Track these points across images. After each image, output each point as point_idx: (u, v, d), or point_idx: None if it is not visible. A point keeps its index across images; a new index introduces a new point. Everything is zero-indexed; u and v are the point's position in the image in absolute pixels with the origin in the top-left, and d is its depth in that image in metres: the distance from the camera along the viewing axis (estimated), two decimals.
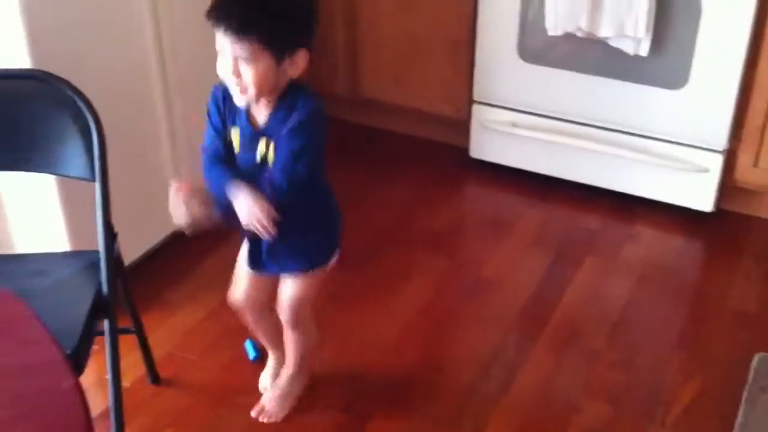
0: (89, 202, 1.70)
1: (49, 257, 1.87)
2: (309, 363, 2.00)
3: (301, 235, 1.73)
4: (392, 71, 2.94)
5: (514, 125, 2.80)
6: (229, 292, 1.92)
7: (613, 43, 2.52)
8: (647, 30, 2.43)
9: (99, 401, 1.96)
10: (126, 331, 1.93)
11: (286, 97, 1.57)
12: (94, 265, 1.72)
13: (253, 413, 1.97)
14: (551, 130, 2.76)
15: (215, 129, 1.63)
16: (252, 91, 1.51)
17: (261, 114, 1.59)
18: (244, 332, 2.22)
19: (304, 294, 1.83)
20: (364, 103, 3.07)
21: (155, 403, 2.04)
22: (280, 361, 2.04)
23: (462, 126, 2.93)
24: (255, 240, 1.70)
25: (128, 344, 2.02)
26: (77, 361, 1.54)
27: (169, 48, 2.26)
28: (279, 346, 2.02)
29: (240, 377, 2.11)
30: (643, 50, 2.48)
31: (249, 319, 1.95)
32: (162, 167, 2.37)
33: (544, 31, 2.57)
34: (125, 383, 2.03)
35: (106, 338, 1.69)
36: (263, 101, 1.57)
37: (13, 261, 1.84)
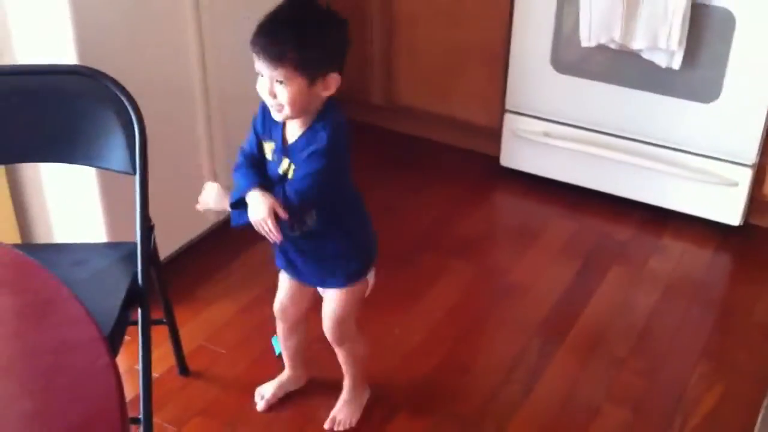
0: (128, 196, 1.77)
1: (88, 247, 1.93)
2: (364, 373, 2.04)
3: (332, 252, 1.80)
4: (427, 80, 2.99)
5: (546, 135, 2.83)
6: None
7: (646, 56, 2.54)
8: (680, 43, 2.46)
9: (129, 390, 1.99)
10: (158, 323, 1.99)
11: (317, 121, 1.65)
12: (131, 257, 1.78)
13: (326, 426, 2.01)
14: (582, 141, 2.78)
15: (256, 134, 1.74)
16: (287, 110, 1.61)
17: (293, 133, 1.68)
18: (271, 329, 2.27)
19: (342, 311, 1.88)
20: (399, 110, 3.12)
21: (183, 394, 2.10)
22: (291, 381, 2.10)
23: (494, 135, 2.96)
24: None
25: (160, 336, 2.08)
26: (111, 347, 1.60)
27: (210, 48, 2.33)
28: (297, 368, 2.09)
29: (267, 371, 2.15)
30: (676, 63, 2.50)
31: (280, 331, 2.03)
32: (199, 165, 2.44)
33: (578, 42, 2.60)
34: (155, 373, 2.10)
35: (139, 327, 1.75)
36: (298, 121, 1.66)
37: (54, 250, 1.91)
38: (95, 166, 1.85)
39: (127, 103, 1.72)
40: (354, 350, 1.98)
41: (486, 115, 2.95)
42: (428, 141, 3.15)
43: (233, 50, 2.39)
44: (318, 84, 1.60)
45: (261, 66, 1.59)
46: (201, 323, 2.31)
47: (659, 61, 2.53)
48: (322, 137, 1.63)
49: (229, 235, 2.61)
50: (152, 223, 1.81)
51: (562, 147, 2.81)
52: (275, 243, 1.71)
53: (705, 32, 2.47)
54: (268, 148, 1.72)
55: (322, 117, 1.65)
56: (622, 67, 2.63)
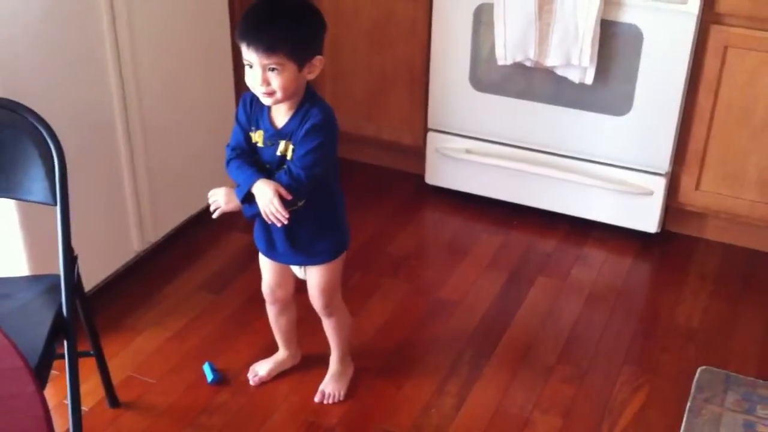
0: (50, 227, 1.75)
1: (11, 281, 1.90)
2: (350, 345, 2.19)
3: (323, 230, 1.94)
4: (354, 103, 3.03)
5: (468, 152, 2.89)
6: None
7: (560, 72, 2.63)
8: (591, 60, 2.55)
9: (59, 425, 1.98)
10: (86, 354, 1.96)
11: (304, 102, 1.80)
12: (55, 289, 1.76)
13: (316, 399, 2.14)
14: (504, 156, 2.85)
15: (242, 128, 1.86)
16: (279, 94, 1.74)
17: (281, 117, 1.82)
18: (202, 356, 2.27)
19: (332, 281, 2.02)
20: None
21: (114, 427, 2.06)
22: (287, 359, 2.22)
23: (420, 154, 3.02)
24: (270, 226, 1.88)
25: (88, 369, 2.05)
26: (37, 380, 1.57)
27: (130, 78, 2.32)
28: (290, 346, 2.21)
29: (199, 399, 2.14)
30: (589, 79, 2.59)
31: (270, 313, 2.14)
32: (122, 193, 2.41)
33: (495, 61, 2.67)
34: (85, 407, 2.06)
35: (66, 359, 1.72)
36: (285, 105, 1.80)
37: None
38: (15, 198, 1.82)
39: (45, 134, 1.71)
40: (342, 319, 2.12)
41: (411, 134, 3.00)
42: (356, 163, 3.18)
43: (153, 79, 2.40)
44: (305, 68, 1.76)
45: (252, 56, 1.71)
46: (130, 353, 2.28)
47: (573, 77, 2.61)
48: (316, 113, 1.78)
49: (155, 263, 2.61)
50: (75, 254, 1.79)
51: (484, 163, 2.87)
52: (258, 226, 1.90)
53: (615, 48, 2.57)
54: (258, 136, 1.84)
55: (308, 98, 1.81)
56: (538, 83, 2.72)
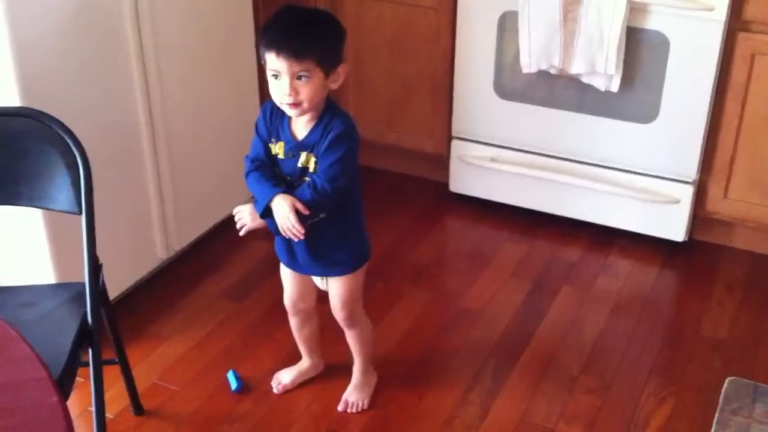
0: (75, 236, 1.76)
1: (36, 289, 1.91)
2: (372, 355, 2.18)
3: (344, 240, 1.94)
4: (376, 111, 3.03)
5: (493, 160, 2.88)
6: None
7: (586, 80, 2.61)
8: (617, 67, 2.53)
9: None
10: (110, 362, 1.97)
11: (325, 113, 1.79)
12: (80, 297, 1.77)
13: (339, 408, 2.13)
14: (528, 165, 2.83)
15: (261, 139, 1.85)
16: (306, 105, 1.73)
17: (301, 129, 1.81)
18: (226, 364, 2.27)
19: (353, 292, 2.01)
20: None
21: None
22: (310, 368, 2.22)
23: (443, 162, 3.01)
24: (288, 239, 1.87)
25: (113, 377, 2.06)
26: (62, 389, 1.58)
27: (155, 87, 2.33)
28: (313, 355, 2.21)
29: (222, 407, 2.14)
30: (614, 86, 2.57)
31: (293, 324, 2.14)
32: (147, 202, 2.43)
33: (520, 69, 2.66)
34: (109, 414, 2.07)
35: (91, 367, 1.73)
36: (306, 116, 1.78)
37: (2, 293, 1.88)
38: (41, 207, 1.83)
39: (71, 144, 1.72)
40: (364, 331, 2.11)
41: (433, 142, 2.99)
42: (379, 170, 3.18)
43: (178, 88, 2.41)
44: (331, 76, 1.75)
45: (281, 64, 1.69)
46: (153, 361, 2.29)
47: (598, 85, 2.59)
48: (338, 124, 1.78)
49: (180, 271, 2.62)
50: (100, 263, 1.80)
51: (508, 171, 2.86)
52: (278, 238, 1.86)
53: (641, 55, 2.54)
54: (279, 148, 1.83)
55: (329, 109, 1.80)
56: (562, 91, 2.70)
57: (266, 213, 1.81)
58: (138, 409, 2.12)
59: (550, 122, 2.76)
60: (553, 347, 2.36)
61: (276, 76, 1.73)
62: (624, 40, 2.49)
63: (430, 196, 3.09)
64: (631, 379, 2.25)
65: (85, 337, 1.73)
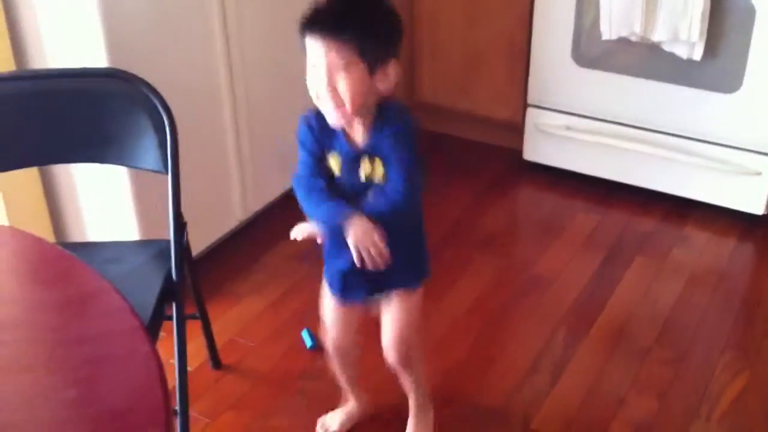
0: (159, 195, 1.82)
1: (122, 245, 1.99)
2: (429, 389, 1.94)
3: (408, 249, 1.68)
4: (450, 77, 3.02)
5: (568, 128, 2.86)
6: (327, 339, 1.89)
7: (667, 48, 2.56)
8: (701, 35, 2.47)
9: None
10: (191, 317, 2.04)
11: (381, 114, 1.55)
12: (164, 254, 1.83)
13: None
14: (604, 134, 2.80)
15: (312, 155, 1.61)
16: (348, 105, 1.49)
17: (359, 133, 1.57)
18: (302, 322, 2.32)
19: (411, 317, 1.75)
20: (422, 108, 3.15)
21: (216, 387, 2.15)
22: (358, 410, 2.01)
23: (517, 130, 2.99)
24: (352, 267, 1.60)
25: (193, 331, 2.13)
26: None
27: (236, 51, 2.38)
28: (361, 396, 1.99)
29: (297, 364, 2.20)
30: (697, 54, 2.52)
31: (336, 363, 1.90)
32: (227, 164, 2.49)
33: (599, 36, 2.62)
34: (189, 367, 2.13)
35: (174, 322, 1.80)
36: (358, 120, 1.55)
37: (90, 248, 1.96)
38: (128, 166, 1.90)
39: (159, 106, 1.76)
40: (420, 374, 1.87)
41: (508, 110, 2.98)
42: (451, 137, 3.18)
43: (258, 53, 2.45)
44: (378, 74, 1.49)
45: (318, 49, 1.46)
46: (231, 318, 2.36)
47: (680, 53, 2.54)
48: (393, 116, 1.55)
49: (256, 232, 2.68)
50: (185, 221, 1.86)
51: (584, 140, 2.83)
52: (331, 262, 1.67)
53: (725, 23, 2.48)
54: (335, 161, 1.60)
55: (383, 109, 1.55)
56: (643, 59, 2.65)
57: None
58: (216, 363, 2.19)
59: (628, 91, 2.72)
60: (626, 318, 2.35)
61: (314, 65, 1.49)
62: (709, 6, 2.43)
63: (503, 163, 3.08)
64: (705, 352, 2.23)
65: (169, 292, 1.79)
